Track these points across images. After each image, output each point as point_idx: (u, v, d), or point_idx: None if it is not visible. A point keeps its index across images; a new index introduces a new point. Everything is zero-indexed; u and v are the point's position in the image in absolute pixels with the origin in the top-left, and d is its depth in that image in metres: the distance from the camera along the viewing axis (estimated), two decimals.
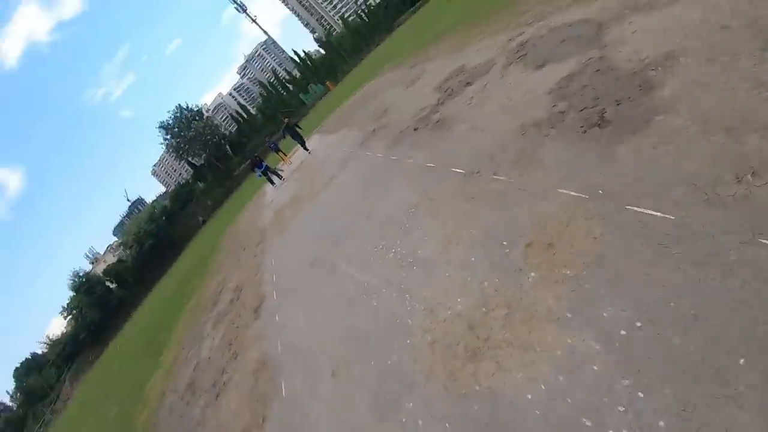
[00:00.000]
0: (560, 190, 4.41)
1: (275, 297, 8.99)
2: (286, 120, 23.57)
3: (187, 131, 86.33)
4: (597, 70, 5.92)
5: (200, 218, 75.26)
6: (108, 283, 77.61)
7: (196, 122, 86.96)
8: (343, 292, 6.40)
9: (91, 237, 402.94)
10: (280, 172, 24.52)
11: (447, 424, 3.33)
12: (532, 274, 3.84)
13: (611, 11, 7.35)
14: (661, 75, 4.82)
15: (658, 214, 3.38)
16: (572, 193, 4.26)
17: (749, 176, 3.10)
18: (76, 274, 74.96)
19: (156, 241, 76.07)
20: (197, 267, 27.81)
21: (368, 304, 5.58)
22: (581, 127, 5.07)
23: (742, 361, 2.35)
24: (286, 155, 29.18)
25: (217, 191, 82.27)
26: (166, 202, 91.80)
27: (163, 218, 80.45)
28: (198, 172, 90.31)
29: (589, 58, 6.40)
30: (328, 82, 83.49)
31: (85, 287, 73.21)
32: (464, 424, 3.23)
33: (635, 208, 3.57)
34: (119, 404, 16.18)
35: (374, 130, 13.69)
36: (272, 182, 23.69)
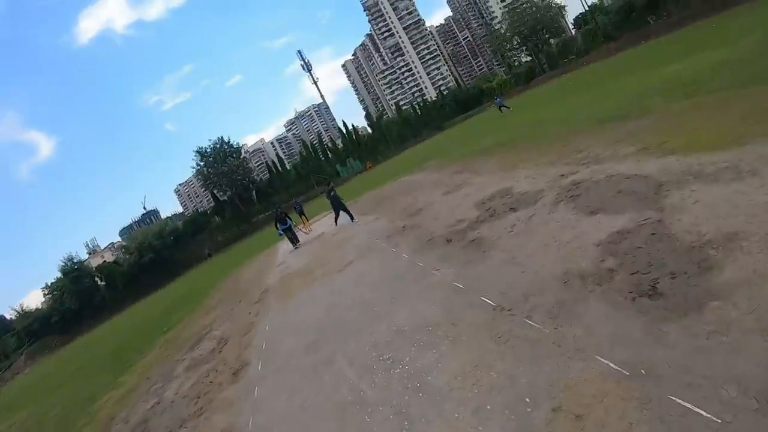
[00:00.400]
0: (599, 358, 4.09)
1: (260, 367, 8.51)
2: (331, 185, 23.79)
3: (221, 164, 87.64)
4: (653, 234, 5.72)
5: (207, 251, 74.92)
6: (97, 279, 77.66)
7: (231, 159, 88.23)
8: (335, 393, 5.95)
9: (96, 229, 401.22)
10: (303, 230, 25.03)
11: None
12: None
13: (672, 173, 7.28)
14: (721, 256, 4.61)
15: (703, 413, 3.07)
16: (612, 364, 3.93)
17: None
18: (70, 258, 75.34)
19: (157, 257, 76.06)
20: (188, 299, 27.42)
21: (360, 417, 5.14)
22: (630, 292, 4.78)
23: None
24: (308, 220, 29.11)
25: (232, 231, 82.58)
26: (179, 224, 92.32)
27: (172, 238, 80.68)
28: (219, 206, 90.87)
29: (646, 219, 6.20)
30: (368, 162, 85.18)
31: (74, 274, 73.58)
32: None
33: (679, 400, 3.26)
34: (63, 406, 15.53)
35: (404, 227, 13.54)
36: (293, 242, 23.24)
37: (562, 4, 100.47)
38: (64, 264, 74.23)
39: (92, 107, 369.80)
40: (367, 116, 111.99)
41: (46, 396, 20.59)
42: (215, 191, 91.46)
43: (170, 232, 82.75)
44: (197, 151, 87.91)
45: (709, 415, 3.04)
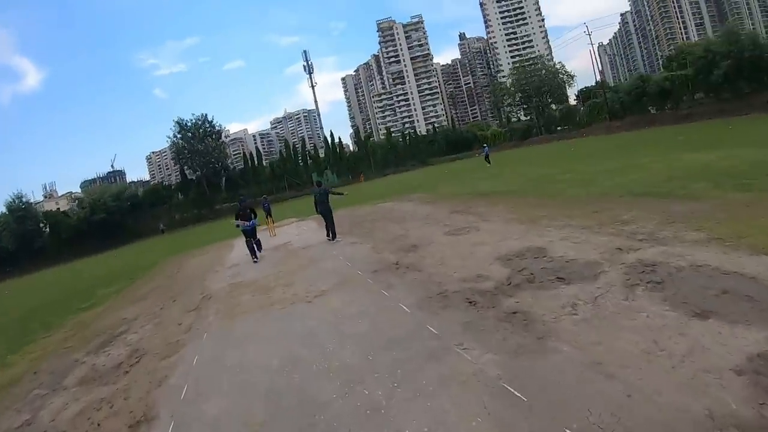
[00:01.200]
0: None
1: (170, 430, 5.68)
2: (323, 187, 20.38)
3: (198, 142, 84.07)
4: None
5: (161, 226, 71.20)
6: (42, 225, 73.71)
7: (210, 139, 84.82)
8: None
9: (59, 173, 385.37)
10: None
11: None
12: None
13: None
14: None
15: None
16: None
17: None
18: (19, 197, 71.27)
19: (108, 219, 71.90)
20: (122, 276, 23.91)
21: None
22: None
23: None
24: (274, 222, 26.35)
25: (191, 212, 78.95)
26: (140, 191, 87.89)
27: (129, 203, 76.47)
28: (185, 183, 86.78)
29: None
30: (361, 174, 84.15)
31: (20, 214, 69.45)
32: None
33: None
34: None
35: (397, 264, 10.88)
36: (253, 253, 19.50)
37: (572, 73, 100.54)
38: (11, 201, 70.31)
39: (88, 49, 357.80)
40: (356, 133, 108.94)
41: None
42: (185, 167, 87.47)
43: (129, 196, 78.78)
44: (177, 122, 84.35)
45: None
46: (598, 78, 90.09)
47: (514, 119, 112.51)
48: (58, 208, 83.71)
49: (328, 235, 17.39)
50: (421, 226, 15.72)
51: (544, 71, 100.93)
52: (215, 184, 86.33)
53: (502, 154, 52.65)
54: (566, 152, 40.31)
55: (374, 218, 20.71)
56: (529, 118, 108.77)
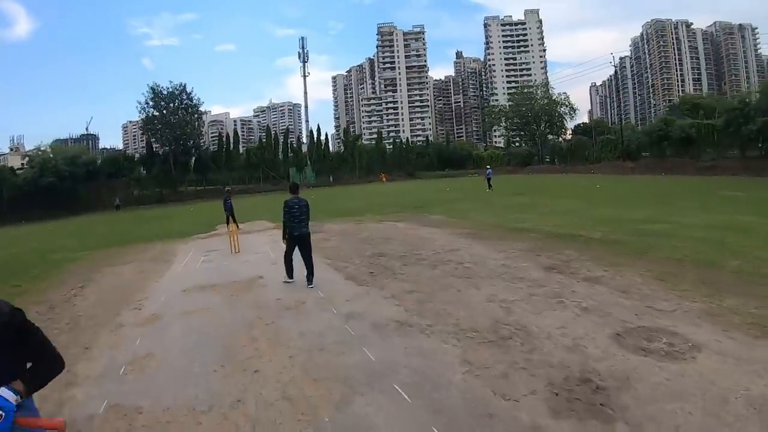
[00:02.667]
0: None
1: None
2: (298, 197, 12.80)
3: (171, 114, 76.07)
4: None
5: (116, 201, 62.93)
6: None
7: (185, 113, 77.61)
8: None
9: (30, 128, 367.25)
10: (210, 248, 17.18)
11: None
12: None
13: None
14: None
15: None
16: None
17: None
18: None
19: (58, 184, 63.51)
20: (30, 268, 17.21)
21: None
22: None
23: None
24: (237, 227, 20.72)
25: (152, 191, 71.63)
26: (99, 158, 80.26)
27: (85, 170, 68.10)
28: (149, 157, 78.20)
29: None
30: (382, 174, 79.33)
31: None
32: None
33: None
34: None
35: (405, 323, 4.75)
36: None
37: (576, 107, 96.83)
38: None
39: (83, 5, 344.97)
40: (343, 133, 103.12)
41: None
42: (152, 139, 79.42)
43: (85, 162, 70.26)
44: (152, 88, 75.75)
45: None
46: (598, 115, 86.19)
47: (516, 144, 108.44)
48: (23, 164, 75.43)
49: (307, 282, 10.71)
50: (533, 300, 8.27)
51: (546, 100, 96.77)
52: (184, 162, 78.36)
53: (502, 179, 46.81)
54: (594, 188, 35.23)
55: (405, 253, 13.74)
56: (519, 144, 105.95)
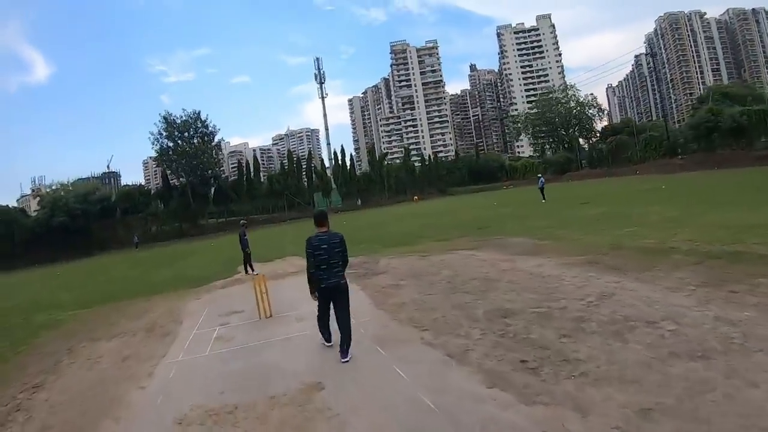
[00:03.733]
0: None
1: None
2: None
3: (186, 143, 72.18)
4: None
5: (135, 239, 59.00)
6: None
7: (201, 141, 73.51)
8: None
9: (51, 169, 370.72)
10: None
11: None
12: None
13: None
14: None
15: None
16: None
17: None
18: None
19: (70, 223, 60.36)
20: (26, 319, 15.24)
21: None
22: None
23: None
24: (252, 269, 18.30)
25: (171, 226, 67.69)
26: (112, 193, 76.66)
27: (99, 209, 64.82)
28: (166, 190, 74.44)
29: None
30: (415, 196, 74.38)
31: None
32: None
33: None
34: None
35: None
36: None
37: (604, 108, 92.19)
38: None
39: (99, 47, 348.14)
40: (369, 153, 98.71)
41: None
42: (168, 171, 75.46)
43: (98, 199, 66.82)
44: (164, 117, 71.89)
45: None
46: (618, 117, 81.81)
47: (525, 154, 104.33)
48: (6, 206, 72.30)
49: (341, 354, 7.42)
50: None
51: (573, 103, 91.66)
52: (203, 194, 74.10)
53: (548, 188, 41.48)
54: (661, 189, 30.25)
55: (537, 309, 8.52)
56: (538, 152, 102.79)
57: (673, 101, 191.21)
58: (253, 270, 18.19)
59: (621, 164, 66.36)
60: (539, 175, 45.13)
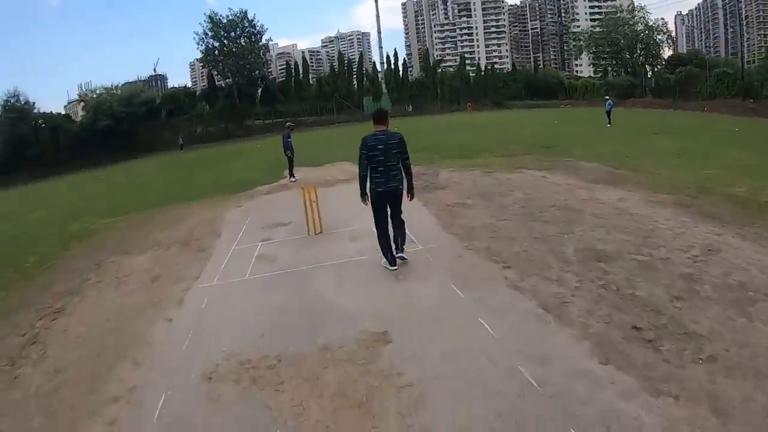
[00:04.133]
0: None
1: None
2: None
3: (233, 43, 70.28)
4: None
5: (180, 140, 58.60)
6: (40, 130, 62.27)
7: (248, 41, 71.53)
8: None
9: (99, 74, 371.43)
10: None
11: None
12: None
13: None
14: None
15: None
16: None
17: None
18: (14, 95, 60.52)
19: (115, 127, 60.43)
20: (62, 228, 15.12)
21: None
22: None
23: None
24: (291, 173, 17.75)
25: (217, 127, 67.22)
26: (157, 95, 76.18)
27: (144, 111, 64.55)
28: (211, 91, 73.42)
29: None
30: (469, 104, 72.29)
31: (12, 115, 59.07)
32: None
33: None
34: None
35: None
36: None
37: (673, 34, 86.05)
38: (5, 99, 59.67)
39: None
40: (423, 58, 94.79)
41: None
42: (214, 72, 74.10)
43: (143, 102, 66.59)
44: (209, 17, 69.70)
45: None
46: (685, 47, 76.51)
47: (584, 74, 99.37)
48: (51, 112, 73.19)
49: (396, 251, 7.15)
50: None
51: (641, 26, 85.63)
52: (249, 95, 72.59)
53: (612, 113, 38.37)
54: (734, 132, 27.03)
55: (634, 254, 7.20)
56: (600, 73, 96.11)
57: (745, 39, 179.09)
58: (293, 177, 17.58)
59: (688, 98, 62.09)
60: (606, 97, 41.76)
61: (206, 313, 6.43)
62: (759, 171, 13.39)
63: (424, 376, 4.29)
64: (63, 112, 78.85)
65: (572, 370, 4.17)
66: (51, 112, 71.19)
